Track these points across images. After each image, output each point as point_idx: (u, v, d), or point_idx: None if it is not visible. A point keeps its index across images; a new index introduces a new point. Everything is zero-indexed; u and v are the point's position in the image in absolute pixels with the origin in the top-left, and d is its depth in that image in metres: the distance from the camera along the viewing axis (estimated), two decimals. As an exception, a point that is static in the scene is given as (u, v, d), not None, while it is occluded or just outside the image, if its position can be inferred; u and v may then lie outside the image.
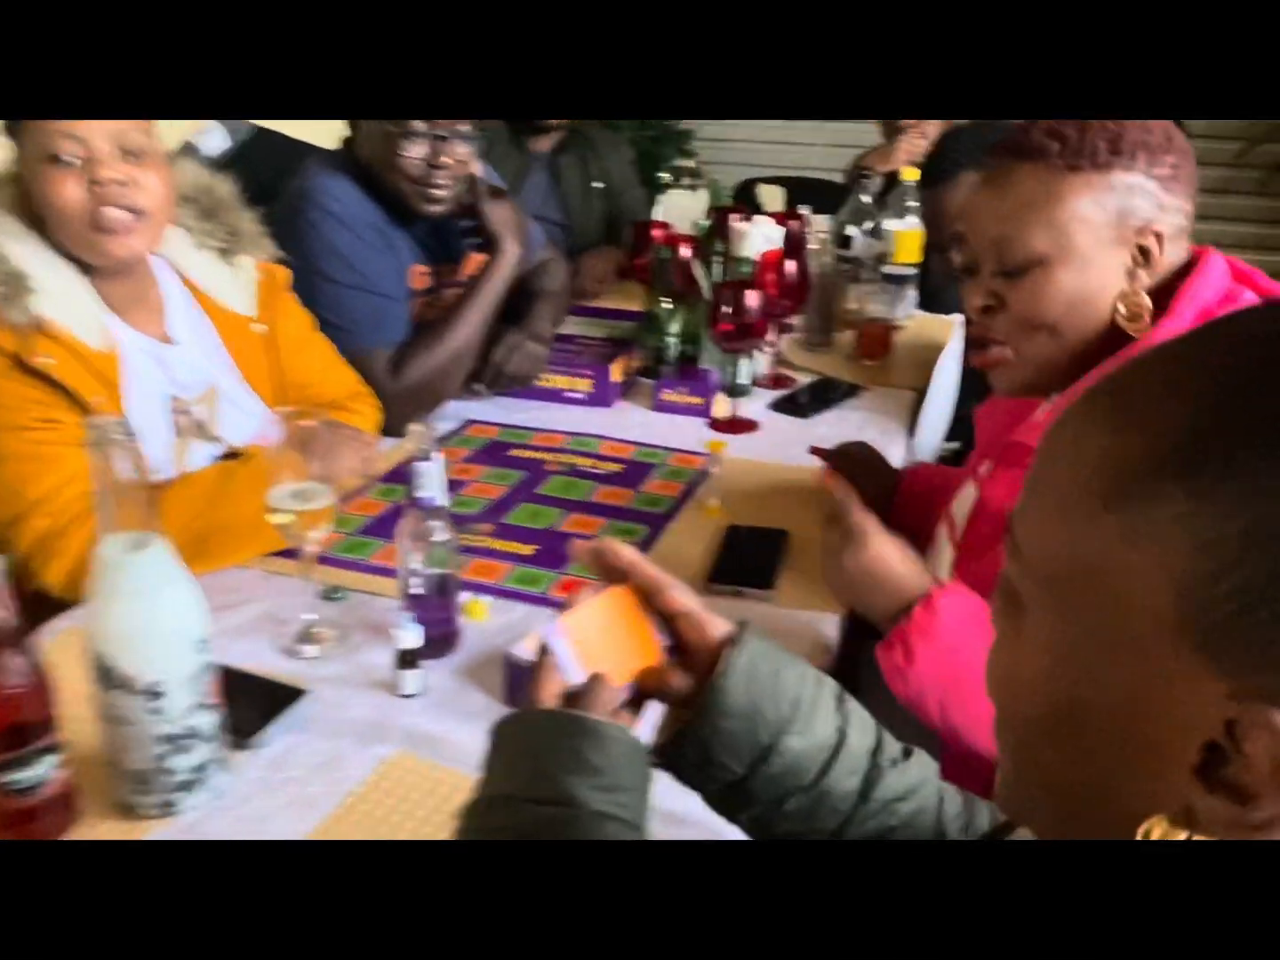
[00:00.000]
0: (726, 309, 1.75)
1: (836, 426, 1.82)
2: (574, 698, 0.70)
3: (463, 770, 1.00)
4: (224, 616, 1.24)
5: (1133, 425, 0.44)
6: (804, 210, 2.18)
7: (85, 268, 1.31)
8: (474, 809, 0.69)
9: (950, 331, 2.22)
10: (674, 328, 1.97)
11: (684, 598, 0.75)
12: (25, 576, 1.23)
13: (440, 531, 1.17)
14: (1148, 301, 1.03)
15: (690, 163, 3.31)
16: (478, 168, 1.82)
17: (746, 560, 1.37)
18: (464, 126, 1.73)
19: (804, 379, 2.04)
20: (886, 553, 1.08)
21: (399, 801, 0.99)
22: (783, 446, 1.74)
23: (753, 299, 1.75)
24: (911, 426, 1.88)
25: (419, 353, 1.74)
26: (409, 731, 1.07)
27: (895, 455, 1.71)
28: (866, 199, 2.37)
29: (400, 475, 1.55)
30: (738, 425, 1.83)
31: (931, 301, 2.36)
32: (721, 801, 0.75)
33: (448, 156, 1.72)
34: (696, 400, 1.88)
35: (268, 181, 1.68)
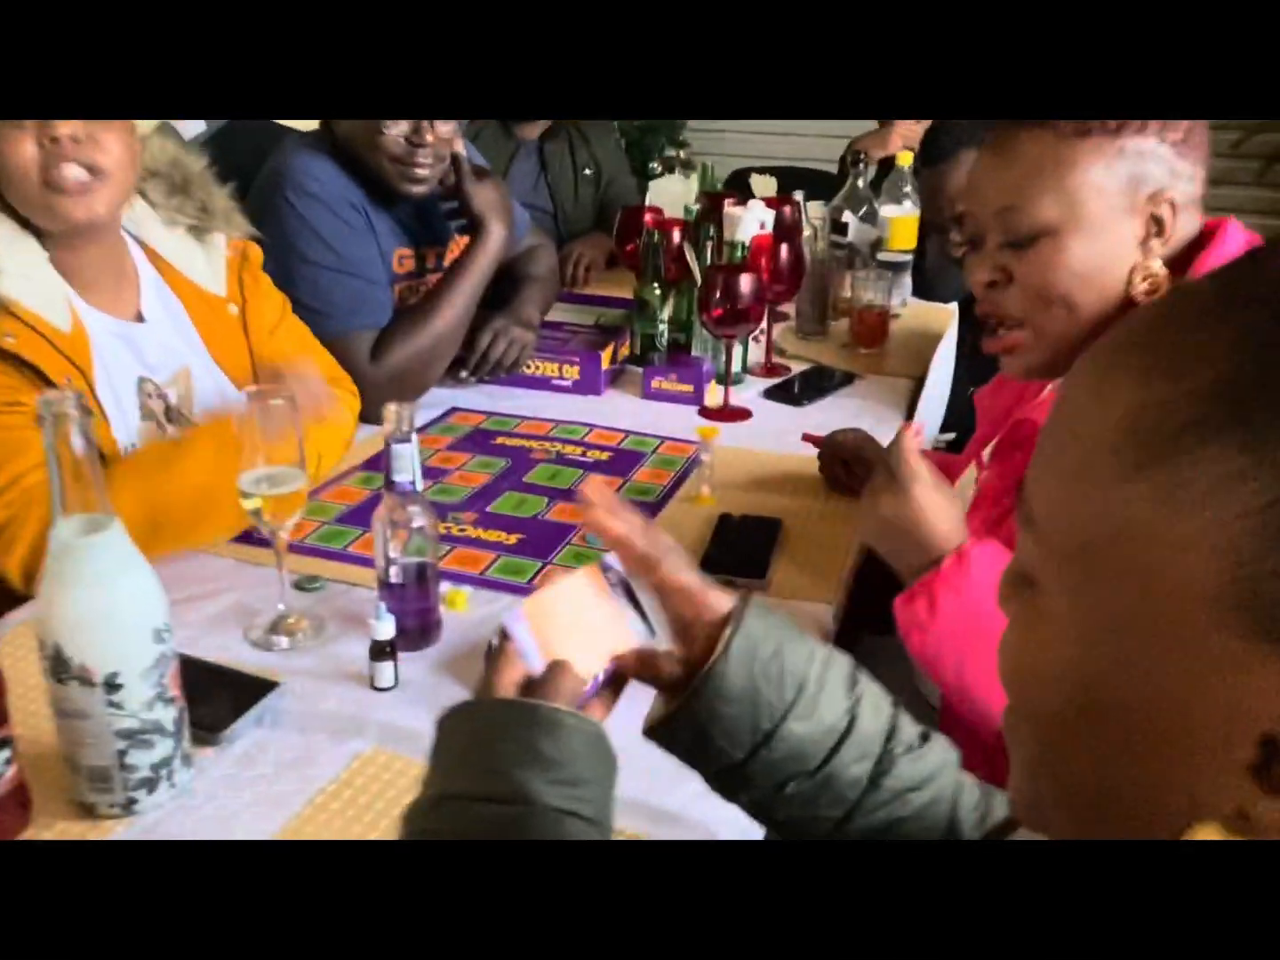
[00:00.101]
0: (718, 293, 1.71)
1: (831, 415, 1.78)
2: (533, 686, 0.66)
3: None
4: (194, 607, 1.20)
5: (1165, 372, 0.38)
6: (797, 195, 2.14)
7: (51, 242, 1.26)
8: (416, 811, 0.64)
9: (948, 320, 2.19)
10: (665, 314, 1.93)
11: (679, 573, 0.69)
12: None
13: (419, 517, 1.12)
14: (1165, 273, 0.99)
15: (681, 153, 3.29)
16: (461, 146, 1.76)
17: (739, 549, 1.33)
18: (447, 105, 1.69)
19: (798, 367, 2.00)
20: (929, 504, 1.02)
21: (373, 799, 0.94)
22: (776, 435, 1.70)
23: (745, 283, 1.70)
24: (908, 416, 1.84)
25: (400, 338, 1.69)
26: (384, 726, 1.02)
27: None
28: (861, 184, 2.32)
29: (380, 463, 1.50)
30: (730, 414, 1.78)
31: (928, 290, 2.32)
32: (718, 782, 0.70)
33: (430, 134, 1.67)
34: (687, 388, 1.83)
35: (246, 163, 1.63)
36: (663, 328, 1.93)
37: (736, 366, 1.88)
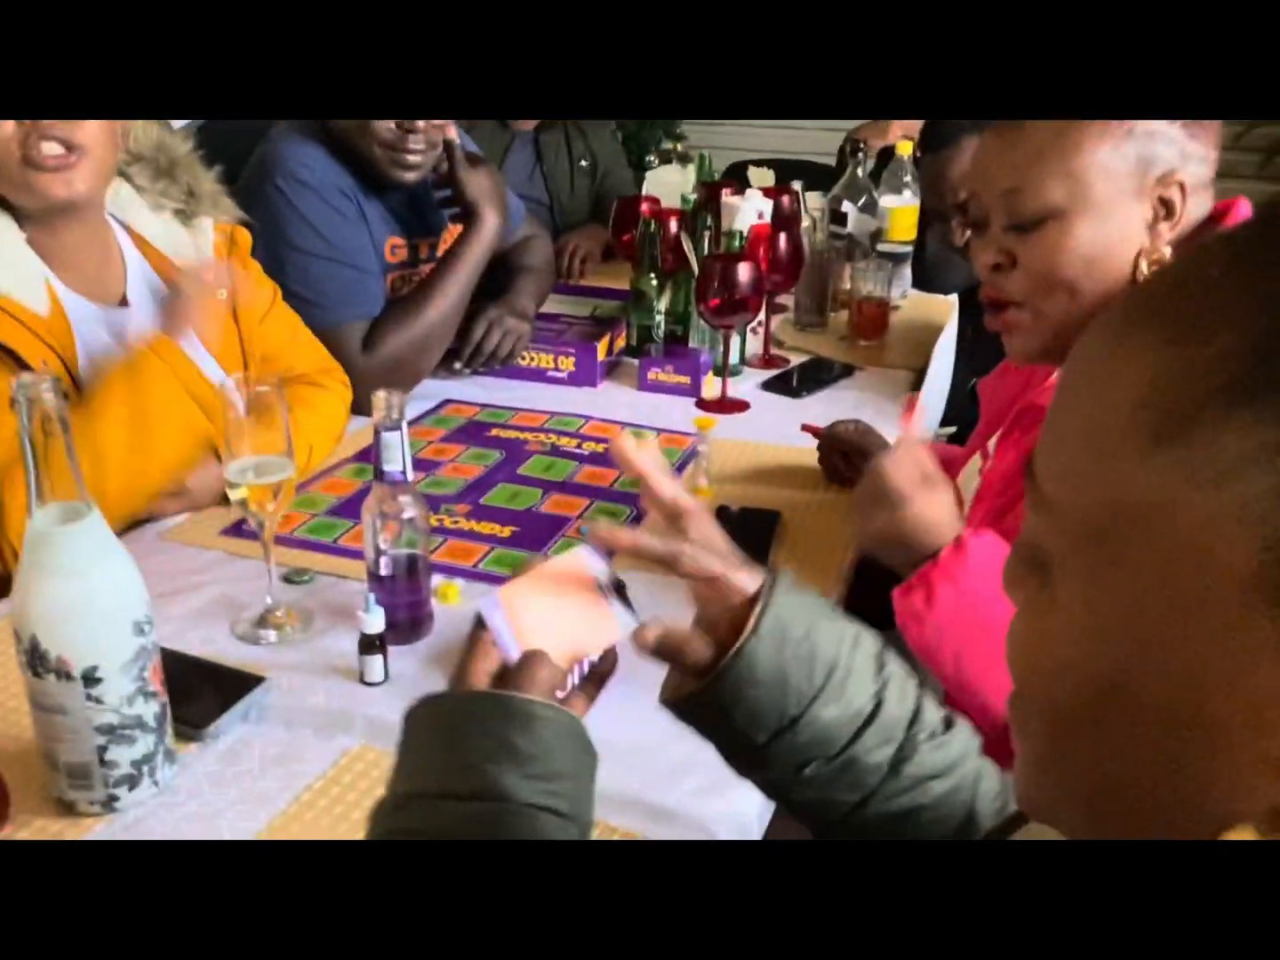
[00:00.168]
0: (716, 283, 1.68)
1: (830, 407, 1.75)
2: (508, 677, 0.63)
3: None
4: (179, 599, 1.17)
5: (1185, 338, 0.36)
6: (795, 186, 2.11)
7: (30, 223, 1.23)
8: (382, 809, 0.61)
9: (948, 312, 2.16)
10: (661, 305, 1.90)
11: (700, 560, 0.67)
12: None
13: (409, 508, 1.09)
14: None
15: (678, 146, 3.26)
16: (454, 133, 1.73)
17: (737, 541, 1.28)
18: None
19: (796, 359, 1.97)
20: (922, 518, 0.99)
21: (361, 797, 0.91)
22: (774, 427, 1.68)
23: (743, 272, 1.68)
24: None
25: (392, 327, 1.66)
26: (373, 722, 0.99)
27: (890, 437, 1.64)
28: (861, 174, 2.30)
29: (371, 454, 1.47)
30: (727, 405, 1.76)
31: (928, 282, 2.29)
32: (735, 760, 0.68)
33: (421, 120, 1.64)
34: (684, 380, 1.80)
35: (235, 149, 1.60)
36: (659, 319, 1.90)
37: (734, 358, 1.85)
